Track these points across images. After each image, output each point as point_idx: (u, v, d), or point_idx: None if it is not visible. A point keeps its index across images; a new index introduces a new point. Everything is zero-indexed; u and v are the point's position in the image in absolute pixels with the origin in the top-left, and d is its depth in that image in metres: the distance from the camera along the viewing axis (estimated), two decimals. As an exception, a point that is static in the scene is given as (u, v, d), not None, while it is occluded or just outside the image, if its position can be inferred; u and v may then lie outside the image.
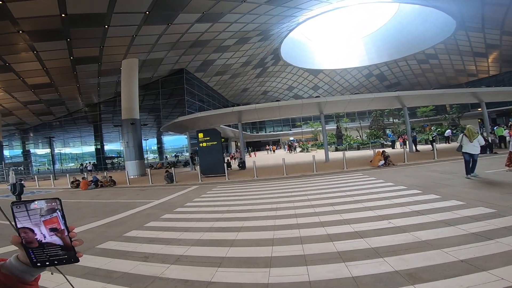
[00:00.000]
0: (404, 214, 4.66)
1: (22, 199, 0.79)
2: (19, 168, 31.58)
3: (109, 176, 14.98)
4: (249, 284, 2.85)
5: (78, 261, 0.75)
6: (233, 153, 34.24)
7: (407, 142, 19.46)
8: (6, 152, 37.66)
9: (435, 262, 2.87)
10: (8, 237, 0.77)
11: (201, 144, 14.95)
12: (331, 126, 40.09)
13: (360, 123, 43.05)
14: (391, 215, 4.67)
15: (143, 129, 26.47)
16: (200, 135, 15.07)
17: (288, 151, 35.66)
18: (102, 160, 34.08)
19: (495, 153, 12.58)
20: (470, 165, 7.42)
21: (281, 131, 55.70)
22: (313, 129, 45.33)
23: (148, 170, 15.26)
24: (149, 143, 34.87)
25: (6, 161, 31.22)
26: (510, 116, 30.41)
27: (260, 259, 3.43)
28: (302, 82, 46.42)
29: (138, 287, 2.99)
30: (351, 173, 10.83)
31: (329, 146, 24.20)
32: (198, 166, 14.79)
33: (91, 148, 36.48)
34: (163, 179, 13.76)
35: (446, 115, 37.03)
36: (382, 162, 11.74)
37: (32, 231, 0.71)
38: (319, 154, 20.44)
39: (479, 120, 33.05)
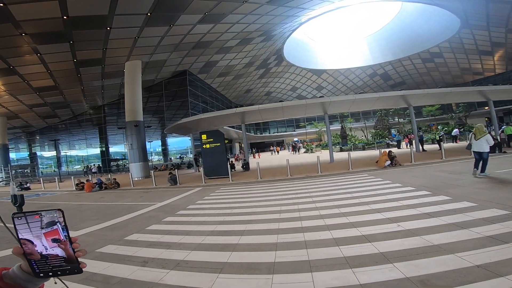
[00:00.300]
0: (414, 217, 4.47)
1: (24, 210, 0.77)
2: (25, 170, 31.93)
3: (113, 178, 14.97)
4: (251, 292, 2.71)
5: (81, 272, 0.76)
6: (238, 154, 34.12)
7: (413, 141, 19.15)
8: (13, 155, 38.17)
9: (448, 268, 2.70)
10: (8, 240, 0.73)
11: (204, 146, 14.86)
12: (336, 127, 39.71)
13: (365, 123, 42.65)
14: (400, 218, 4.48)
15: (147, 131, 26.54)
16: (203, 136, 14.99)
17: (292, 152, 35.45)
18: (107, 162, 34.29)
19: (504, 152, 12.27)
20: (480, 164, 7.34)
21: (285, 132, 55.43)
22: (317, 130, 45.03)
23: (152, 172, 15.21)
24: (154, 145, 35.03)
25: (12, 164, 31.54)
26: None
27: (263, 264, 3.28)
28: (306, 83, 46.21)
29: (136, 294, 2.87)
30: (357, 174, 10.62)
31: (333, 147, 23.98)
32: (202, 168, 14.71)
33: (97, 151, 36.75)
34: (166, 181, 13.71)
35: (453, 114, 36.51)
36: (389, 162, 11.50)
37: (32, 243, 0.71)
38: (324, 155, 20.27)
39: (486, 119, 32.56)
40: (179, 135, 27.89)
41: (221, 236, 4.60)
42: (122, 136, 30.70)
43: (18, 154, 41.25)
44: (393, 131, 33.42)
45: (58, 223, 0.73)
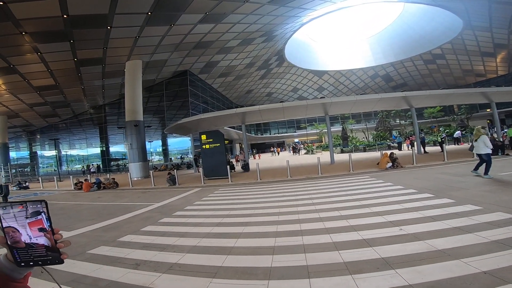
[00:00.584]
0: (417, 220, 4.32)
1: (9, 201, 0.64)
2: (25, 169, 31.89)
3: (112, 178, 14.86)
4: (246, 299, 2.57)
5: (62, 262, 0.77)
6: (238, 155, 34.00)
7: (414, 143, 18.99)
8: (13, 154, 38.15)
9: (454, 274, 2.56)
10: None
11: (204, 146, 14.75)
12: (337, 128, 39.57)
13: (366, 125, 42.46)
14: (402, 221, 4.33)
15: (148, 131, 26.44)
16: (203, 137, 14.89)
17: (292, 153, 35.31)
18: (107, 162, 34.22)
19: (507, 154, 12.11)
20: (482, 164, 7.47)
21: (286, 133, 55.27)
22: (318, 131, 44.89)
23: (151, 172, 15.09)
24: (154, 145, 34.92)
25: (13, 163, 31.52)
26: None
27: (259, 269, 3.14)
28: (307, 84, 46.07)
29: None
30: (358, 175, 10.47)
31: (334, 148, 23.81)
32: (201, 168, 14.59)
33: (97, 150, 36.70)
34: (165, 182, 13.59)
35: (455, 116, 36.32)
36: (390, 164, 11.35)
37: (18, 231, 0.73)
38: (324, 156, 20.11)
39: (488, 121, 32.31)
40: (180, 135, 27.79)
41: (217, 239, 4.46)
42: (122, 135, 30.62)
43: (18, 153, 41.22)
44: (394, 133, 33.25)
45: (42, 213, 0.75)
